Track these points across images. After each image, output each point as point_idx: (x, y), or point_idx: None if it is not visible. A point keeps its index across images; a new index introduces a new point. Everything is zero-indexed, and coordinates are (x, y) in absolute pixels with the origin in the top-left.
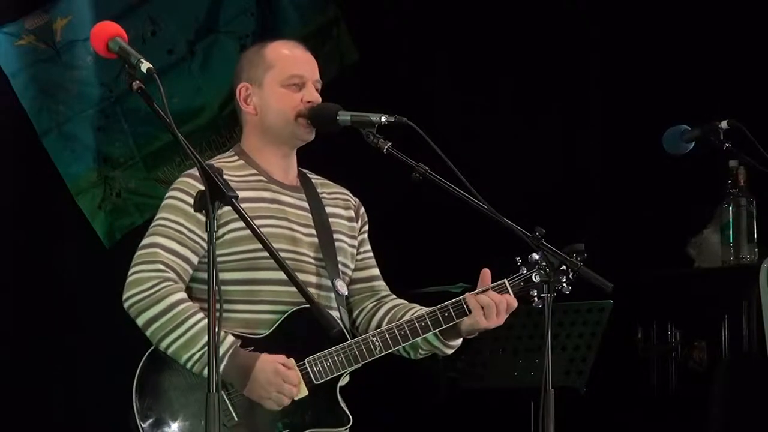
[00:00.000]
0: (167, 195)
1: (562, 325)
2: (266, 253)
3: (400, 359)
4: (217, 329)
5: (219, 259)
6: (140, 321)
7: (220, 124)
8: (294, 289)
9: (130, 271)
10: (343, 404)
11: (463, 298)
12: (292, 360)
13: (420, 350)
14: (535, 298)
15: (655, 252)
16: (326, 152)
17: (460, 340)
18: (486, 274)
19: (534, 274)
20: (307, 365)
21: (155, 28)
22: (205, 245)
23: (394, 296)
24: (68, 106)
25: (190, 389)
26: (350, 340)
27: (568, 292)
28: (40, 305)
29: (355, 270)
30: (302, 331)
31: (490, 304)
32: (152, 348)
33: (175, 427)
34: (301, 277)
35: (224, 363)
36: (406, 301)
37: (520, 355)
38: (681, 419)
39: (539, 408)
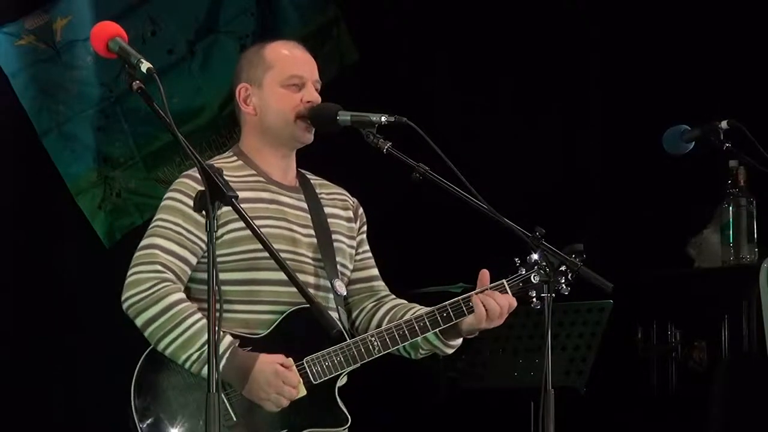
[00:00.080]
0: (166, 196)
1: (562, 325)
2: (266, 254)
3: (400, 359)
4: (216, 329)
5: (219, 259)
6: (139, 321)
7: (220, 124)
8: (294, 289)
9: (129, 272)
10: (341, 404)
11: (463, 298)
12: (290, 359)
13: (420, 350)
14: (534, 299)
15: (655, 252)
16: (326, 152)
17: (460, 340)
18: (484, 274)
19: (533, 275)
20: (305, 365)
21: (155, 28)
22: (203, 246)
23: (394, 296)
24: (68, 106)
25: (189, 389)
26: (349, 340)
27: (567, 293)
28: (40, 305)
29: (354, 270)
30: (301, 331)
31: (494, 308)
32: (150, 348)
33: (174, 428)
34: (300, 277)
35: (222, 363)
36: (406, 301)
37: (520, 355)
38: (681, 419)
39: (539, 408)
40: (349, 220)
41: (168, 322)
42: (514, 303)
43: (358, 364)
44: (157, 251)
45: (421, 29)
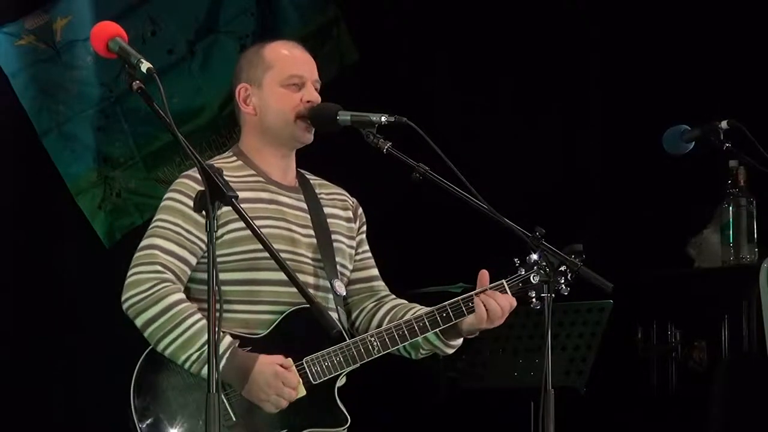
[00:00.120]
0: (165, 196)
1: (562, 325)
2: (266, 254)
3: (400, 359)
4: (216, 329)
5: (219, 259)
6: (139, 322)
7: (220, 124)
8: (294, 289)
9: (129, 273)
10: (340, 404)
11: (463, 299)
12: (289, 360)
13: (421, 350)
14: (534, 299)
15: (655, 252)
16: (326, 152)
17: (460, 340)
18: (484, 275)
19: (532, 275)
20: (305, 365)
21: (155, 28)
22: (203, 246)
23: (394, 296)
24: (68, 106)
25: (188, 389)
26: (348, 341)
27: (566, 294)
28: (40, 305)
29: (354, 270)
30: (300, 331)
31: (495, 308)
32: (150, 348)
33: (173, 428)
34: (300, 277)
35: (222, 363)
36: (406, 301)
37: (520, 355)
38: (681, 419)
39: (539, 408)
40: (348, 220)
41: (168, 322)
42: (515, 303)
43: (358, 365)
44: (156, 252)
45: (421, 29)
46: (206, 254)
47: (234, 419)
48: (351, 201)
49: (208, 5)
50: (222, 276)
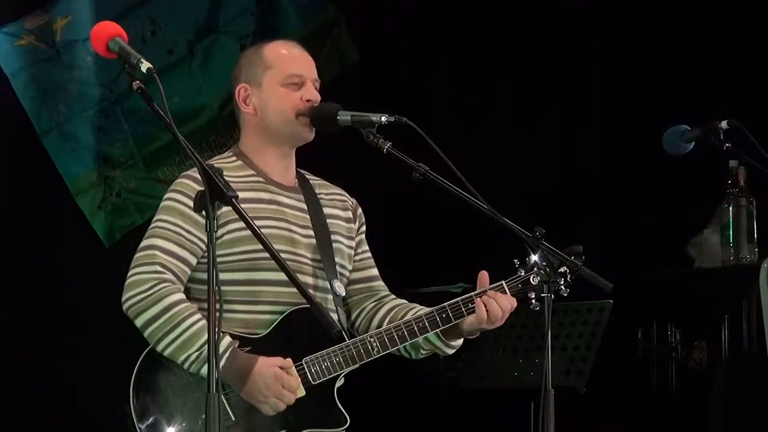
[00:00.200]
0: (165, 197)
1: (562, 325)
2: (266, 254)
3: (400, 359)
4: (216, 329)
5: (219, 259)
6: (139, 322)
7: (220, 124)
8: (294, 289)
9: (129, 273)
10: (340, 405)
11: (463, 299)
12: (289, 360)
13: (421, 350)
14: (533, 300)
15: (655, 252)
16: (326, 152)
17: (461, 340)
18: (483, 276)
19: (532, 276)
20: (304, 365)
21: (155, 28)
22: (203, 246)
23: (394, 296)
24: (68, 106)
25: (187, 389)
26: (348, 341)
27: (566, 295)
28: (40, 305)
29: (353, 271)
30: (300, 332)
31: (495, 309)
32: (149, 348)
33: (173, 428)
34: (299, 278)
35: (221, 364)
36: (406, 301)
37: (520, 355)
38: (681, 419)
39: (539, 408)
40: (348, 220)
41: (167, 322)
42: (515, 304)
43: (358, 365)
44: (156, 252)
45: (421, 29)
46: (206, 254)
47: (233, 419)
48: (350, 201)
49: (208, 5)
50: (222, 276)
